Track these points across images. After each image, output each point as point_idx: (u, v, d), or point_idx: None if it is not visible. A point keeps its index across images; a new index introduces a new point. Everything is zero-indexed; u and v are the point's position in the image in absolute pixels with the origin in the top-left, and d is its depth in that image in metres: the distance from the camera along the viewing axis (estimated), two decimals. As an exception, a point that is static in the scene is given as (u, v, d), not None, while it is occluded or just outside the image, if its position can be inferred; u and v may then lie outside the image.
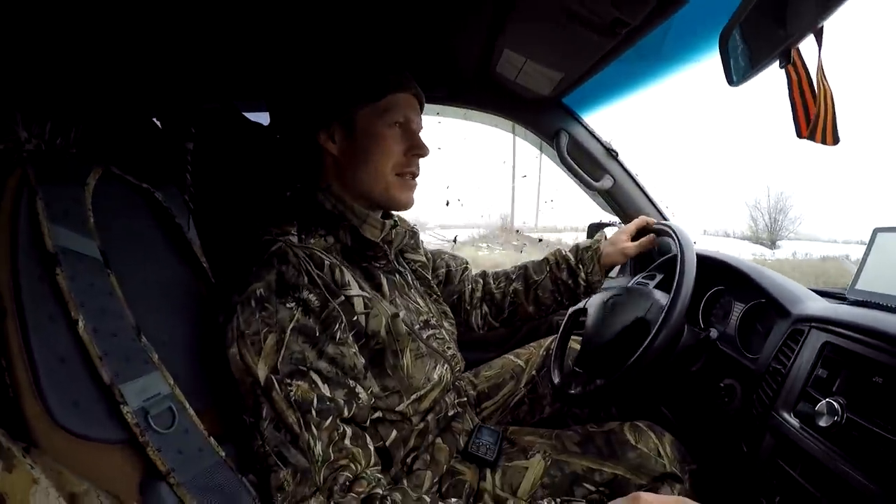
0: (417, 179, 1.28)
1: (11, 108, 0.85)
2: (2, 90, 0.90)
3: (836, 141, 0.81)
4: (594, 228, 2.06)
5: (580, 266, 1.58)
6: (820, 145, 0.82)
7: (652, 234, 1.55)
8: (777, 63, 0.84)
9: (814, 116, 0.80)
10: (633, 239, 1.58)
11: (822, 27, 0.75)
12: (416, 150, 1.22)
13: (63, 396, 0.73)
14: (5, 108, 0.85)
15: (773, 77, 0.89)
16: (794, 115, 0.84)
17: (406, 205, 1.26)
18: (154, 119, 1.33)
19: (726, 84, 1.01)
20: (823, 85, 0.79)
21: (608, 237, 1.62)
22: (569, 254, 1.62)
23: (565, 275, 1.59)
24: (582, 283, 1.58)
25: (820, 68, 0.79)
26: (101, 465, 0.74)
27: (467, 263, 1.71)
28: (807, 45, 0.80)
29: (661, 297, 1.35)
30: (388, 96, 1.19)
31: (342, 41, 1.25)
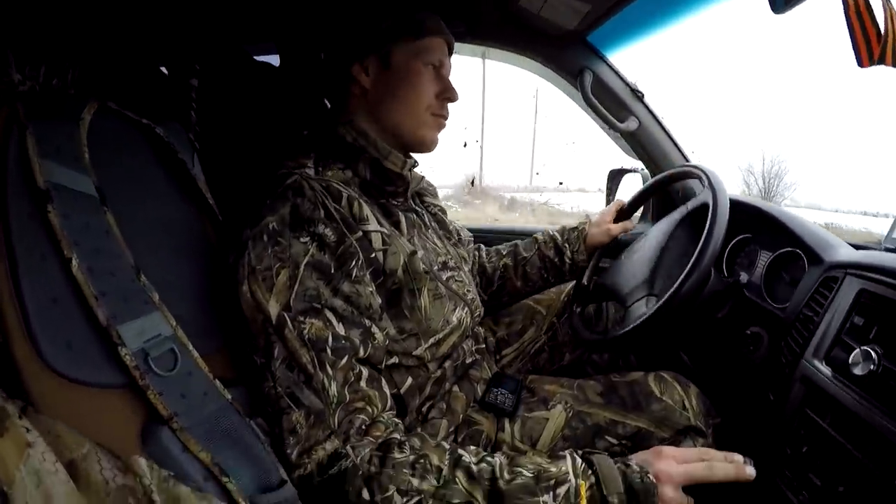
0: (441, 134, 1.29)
1: (4, 49, 0.80)
2: None
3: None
4: (615, 175, 2.05)
5: (566, 245, 1.65)
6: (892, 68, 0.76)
7: (628, 224, 1.68)
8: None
9: (879, 40, 0.74)
10: (616, 220, 1.67)
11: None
12: (448, 93, 1.22)
13: (55, 338, 0.69)
14: None
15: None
16: (853, 41, 0.78)
17: (432, 145, 1.26)
18: (157, 55, 1.29)
19: (769, 11, 0.94)
20: (888, 4, 0.72)
21: (591, 219, 1.69)
22: (556, 233, 1.69)
23: (552, 253, 1.66)
24: (568, 261, 1.65)
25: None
26: (98, 411, 0.71)
27: (471, 237, 1.71)
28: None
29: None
30: (427, 37, 1.19)
31: None
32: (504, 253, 1.72)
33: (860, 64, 0.77)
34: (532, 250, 1.67)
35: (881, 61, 0.75)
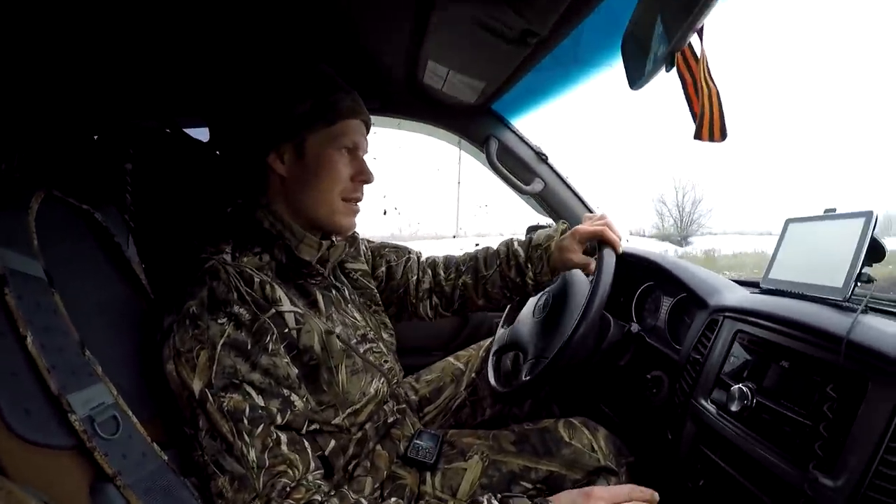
0: (360, 205, 1.32)
1: None
2: None
3: (723, 137, 0.84)
4: (532, 230, 2.07)
5: (528, 266, 1.53)
6: (708, 143, 0.85)
7: (601, 255, 1.38)
8: (663, 68, 0.87)
9: (698, 116, 0.83)
10: (586, 251, 1.49)
11: (702, 27, 0.78)
12: (363, 176, 1.26)
13: (16, 406, 0.78)
14: None
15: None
16: (692, 116, 0.87)
17: (348, 230, 1.30)
18: (95, 136, 1.37)
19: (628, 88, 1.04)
20: (707, 82, 0.82)
21: (558, 243, 1.51)
22: (519, 249, 1.57)
23: (514, 273, 1.55)
24: (530, 282, 1.54)
25: (704, 67, 0.82)
26: (53, 470, 0.80)
27: (409, 252, 1.70)
28: (693, 46, 0.83)
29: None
30: (341, 122, 1.22)
31: (283, 62, 1.26)
32: (463, 269, 1.64)
33: (695, 137, 0.86)
34: (493, 267, 1.58)
35: (698, 137, 0.84)
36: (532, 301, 1.59)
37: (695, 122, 0.85)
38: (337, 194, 1.23)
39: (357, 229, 1.35)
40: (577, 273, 1.59)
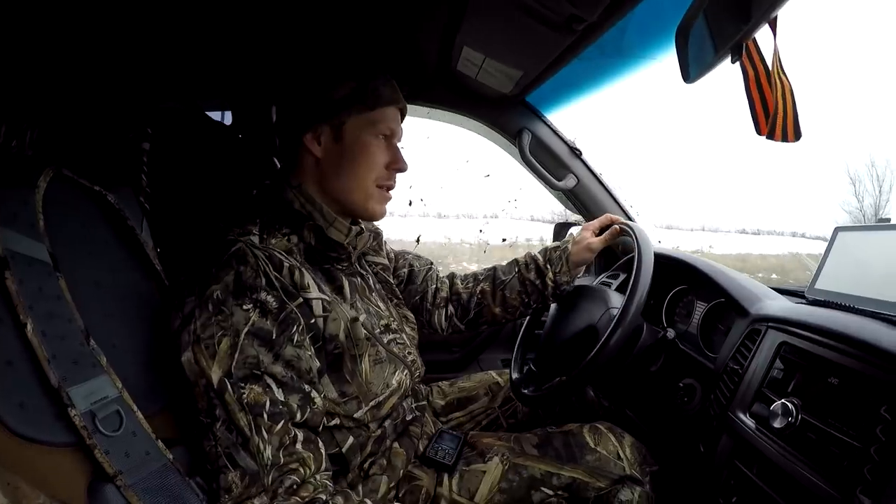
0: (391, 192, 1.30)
1: None
2: None
3: (797, 137, 0.81)
4: (560, 228, 2.06)
5: (548, 266, 1.55)
6: (780, 143, 0.81)
7: (616, 227, 1.54)
8: (729, 58, 0.82)
9: (772, 113, 0.79)
10: (598, 235, 1.58)
11: (776, 18, 0.73)
12: (397, 164, 1.25)
13: (10, 398, 0.74)
14: None
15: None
16: (752, 111, 0.84)
17: (380, 216, 1.29)
18: (112, 118, 1.32)
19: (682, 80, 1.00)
20: (781, 79, 0.78)
21: (574, 237, 1.60)
22: (537, 254, 1.60)
23: (533, 275, 1.56)
24: (550, 283, 1.55)
25: (777, 62, 0.78)
26: (48, 468, 0.75)
27: (431, 263, 1.71)
28: (763, 39, 0.79)
29: (616, 301, 1.39)
30: (380, 108, 1.21)
31: (325, 44, 1.23)
32: (481, 278, 1.66)
33: (758, 132, 0.82)
34: (512, 273, 1.60)
35: (770, 135, 0.80)
36: (560, 301, 1.56)
37: (756, 117, 0.81)
38: (372, 180, 1.22)
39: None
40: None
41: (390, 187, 1.27)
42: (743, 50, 0.80)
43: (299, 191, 1.20)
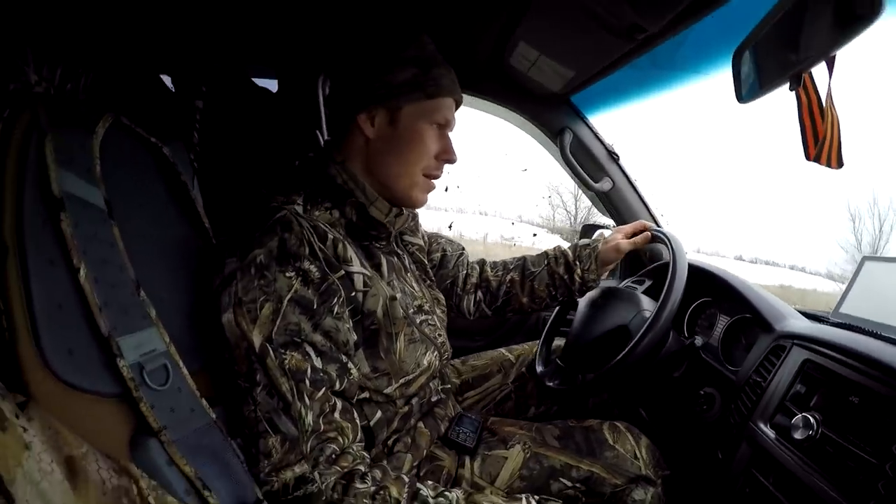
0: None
1: (23, 45, 0.83)
2: (13, 27, 0.89)
3: (840, 165, 0.85)
4: (587, 229, 2.06)
5: (577, 262, 1.56)
6: (825, 167, 0.85)
7: (648, 234, 1.54)
8: (787, 85, 0.86)
9: (821, 140, 0.83)
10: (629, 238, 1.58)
11: (834, 57, 0.77)
12: (447, 155, 1.23)
13: (59, 343, 0.72)
14: (16, 45, 0.83)
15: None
16: (802, 137, 0.87)
17: (420, 204, 1.28)
18: (164, 76, 1.31)
19: (735, 100, 1.03)
20: (832, 110, 0.82)
21: (605, 236, 1.60)
22: (567, 250, 1.60)
23: (562, 269, 1.57)
24: (577, 279, 1.55)
25: (829, 94, 0.82)
26: (92, 417, 0.73)
27: (463, 249, 1.71)
28: (818, 71, 0.83)
29: (648, 304, 1.39)
30: (439, 98, 1.19)
31: (389, 26, 1.25)
32: (511, 267, 1.66)
33: (807, 157, 0.86)
34: (541, 265, 1.61)
35: (817, 160, 0.84)
36: (588, 298, 1.58)
37: (805, 142, 0.85)
38: (420, 168, 1.20)
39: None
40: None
41: (437, 177, 1.25)
42: (801, 79, 0.84)
43: (343, 167, 1.18)
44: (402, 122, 1.17)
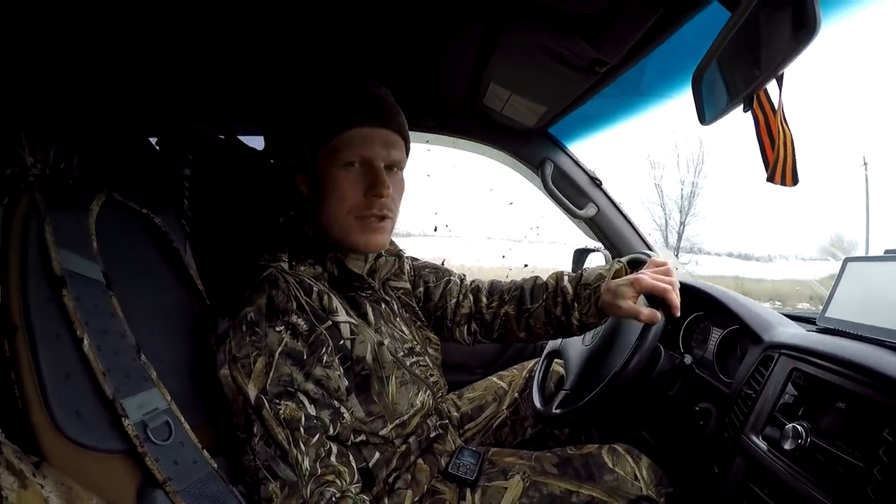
0: (386, 221, 1.22)
1: (17, 129, 0.91)
2: (7, 113, 0.96)
3: (795, 182, 0.86)
4: (580, 254, 2.08)
5: (576, 304, 1.42)
6: (780, 186, 0.87)
7: (655, 315, 1.29)
8: (741, 107, 0.89)
9: (772, 160, 0.85)
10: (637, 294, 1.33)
11: (783, 74, 0.80)
12: (374, 190, 1.16)
13: (68, 408, 0.79)
14: (11, 129, 0.91)
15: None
16: (762, 156, 0.89)
17: (367, 248, 1.22)
18: (151, 139, 1.38)
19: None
20: (783, 128, 0.84)
21: (610, 286, 1.36)
22: (568, 285, 1.46)
23: (559, 310, 1.45)
24: (575, 322, 1.43)
25: (781, 112, 0.84)
26: (101, 473, 0.80)
27: (450, 276, 1.63)
28: (772, 90, 0.85)
29: (636, 331, 1.40)
30: (337, 136, 1.15)
31: (329, 74, 1.28)
32: (506, 298, 1.56)
33: (768, 179, 0.88)
34: (538, 301, 1.49)
35: (771, 180, 0.86)
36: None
37: (766, 165, 0.87)
38: (346, 213, 1.17)
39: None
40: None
41: (372, 215, 1.18)
42: (754, 100, 0.87)
43: (314, 225, 1.22)
44: (317, 174, 1.19)
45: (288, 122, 1.21)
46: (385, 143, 1.19)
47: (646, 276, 1.32)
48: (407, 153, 1.27)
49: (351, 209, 1.17)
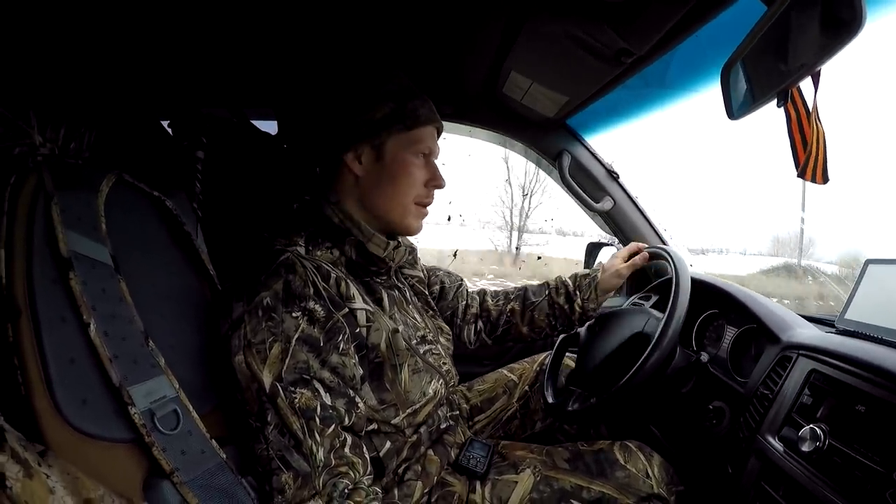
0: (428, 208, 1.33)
1: (26, 108, 0.89)
2: (17, 91, 0.94)
3: (825, 180, 0.85)
4: (592, 248, 2.09)
5: (577, 292, 1.63)
6: (810, 183, 0.86)
7: (645, 253, 1.63)
8: (775, 102, 0.87)
9: (804, 156, 0.84)
10: (627, 261, 1.66)
11: (820, 71, 0.78)
12: (436, 181, 1.29)
13: (72, 395, 0.76)
14: (20, 108, 0.88)
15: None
16: (793, 152, 0.88)
17: (416, 231, 1.32)
18: (163, 122, 1.37)
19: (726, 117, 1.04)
20: (817, 126, 0.82)
21: (604, 265, 1.68)
22: (568, 280, 1.68)
23: (562, 299, 1.64)
24: (578, 308, 1.63)
25: (815, 109, 0.83)
26: (106, 463, 0.78)
27: (462, 280, 1.75)
28: (805, 86, 0.84)
29: (657, 313, 1.40)
30: (418, 128, 1.23)
31: (364, 63, 1.27)
32: (512, 297, 1.72)
33: (797, 174, 0.87)
34: (542, 295, 1.68)
35: (802, 176, 0.85)
36: (596, 320, 1.59)
37: (797, 160, 0.86)
38: (411, 198, 1.25)
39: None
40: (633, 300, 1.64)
41: (428, 203, 1.31)
42: (788, 95, 0.85)
43: (338, 207, 1.23)
44: (388, 155, 1.23)
45: (364, 101, 1.21)
46: (436, 141, 1.32)
47: (619, 252, 1.68)
48: None
49: (417, 195, 1.26)
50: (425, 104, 1.26)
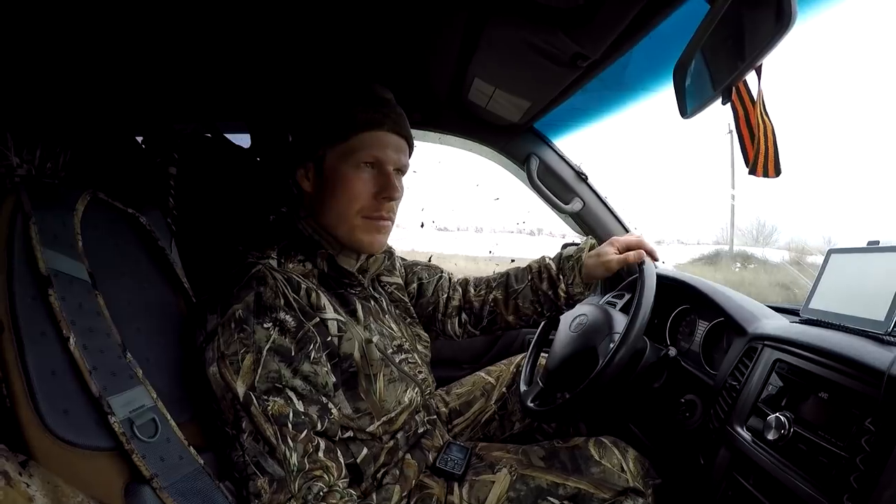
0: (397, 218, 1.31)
1: (3, 130, 0.92)
2: None
3: (777, 173, 0.86)
4: (567, 248, 2.08)
5: (560, 277, 1.55)
6: (762, 178, 0.87)
7: (641, 251, 1.47)
8: (720, 100, 0.89)
9: (753, 151, 0.85)
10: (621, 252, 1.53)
11: (761, 65, 0.80)
12: (386, 193, 1.21)
13: (54, 406, 0.80)
14: None
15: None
16: (742, 148, 0.89)
17: (370, 248, 1.27)
18: (137, 138, 1.38)
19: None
20: (763, 119, 0.84)
21: (597, 249, 1.56)
22: (551, 262, 1.60)
23: (546, 285, 1.57)
24: (562, 294, 1.55)
25: (760, 103, 0.84)
26: (88, 470, 0.81)
27: (442, 272, 1.72)
28: (751, 81, 0.85)
29: (619, 326, 1.41)
30: (355, 136, 1.19)
31: (317, 72, 1.28)
32: (493, 285, 1.66)
33: (750, 171, 0.88)
34: (525, 281, 1.60)
35: (753, 172, 0.86)
36: (568, 317, 1.60)
37: (745, 156, 0.87)
38: (354, 212, 1.21)
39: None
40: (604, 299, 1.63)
41: (381, 217, 1.24)
42: (732, 92, 0.87)
43: (307, 222, 1.25)
44: (326, 170, 1.22)
45: (300, 117, 1.22)
46: (396, 148, 1.24)
47: (617, 237, 1.55)
48: (409, 157, 1.33)
49: (360, 209, 1.21)
50: (369, 108, 1.21)
